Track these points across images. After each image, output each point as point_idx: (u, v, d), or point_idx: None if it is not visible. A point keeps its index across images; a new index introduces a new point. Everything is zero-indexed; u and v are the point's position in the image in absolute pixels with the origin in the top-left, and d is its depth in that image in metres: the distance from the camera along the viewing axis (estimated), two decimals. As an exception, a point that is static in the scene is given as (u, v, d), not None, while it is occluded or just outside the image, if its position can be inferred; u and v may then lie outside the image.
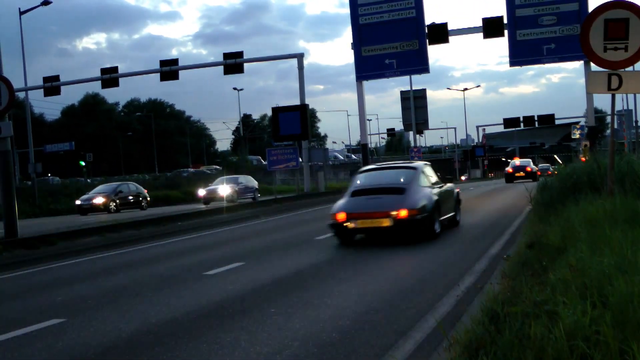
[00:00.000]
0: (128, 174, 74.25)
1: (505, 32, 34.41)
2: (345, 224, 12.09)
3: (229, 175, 40.78)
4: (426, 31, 35.34)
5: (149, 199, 37.70)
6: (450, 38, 35.37)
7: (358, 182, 13.66)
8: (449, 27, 35.37)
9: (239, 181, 37.74)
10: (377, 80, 38.35)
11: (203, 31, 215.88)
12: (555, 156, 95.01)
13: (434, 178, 14.15)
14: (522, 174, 43.11)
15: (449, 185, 15.05)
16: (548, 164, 71.06)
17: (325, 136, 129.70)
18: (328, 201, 30.44)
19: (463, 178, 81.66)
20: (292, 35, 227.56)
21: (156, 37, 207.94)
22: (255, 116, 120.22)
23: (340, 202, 12.75)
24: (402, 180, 13.04)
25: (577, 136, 57.15)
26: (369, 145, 56.50)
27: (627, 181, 11.14)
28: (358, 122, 39.94)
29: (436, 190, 13.42)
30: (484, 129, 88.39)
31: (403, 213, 11.79)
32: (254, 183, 38.99)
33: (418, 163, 14.83)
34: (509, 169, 46.02)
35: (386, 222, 11.78)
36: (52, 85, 40.07)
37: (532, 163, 48.49)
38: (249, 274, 9.94)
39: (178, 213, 23.52)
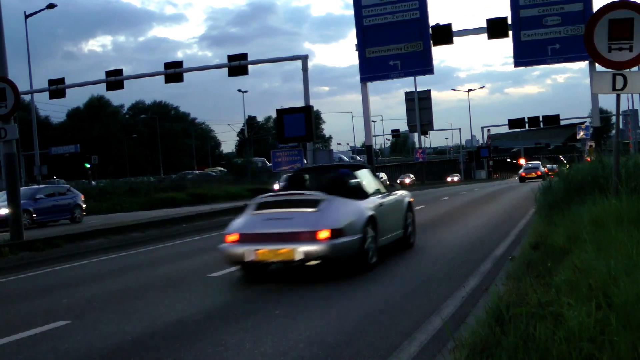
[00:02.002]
0: (133, 176, 74.33)
1: (510, 32, 34.35)
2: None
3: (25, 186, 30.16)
4: (430, 32, 35.32)
5: (84, 206, 29.25)
6: (455, 39, 35.28)
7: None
8: (454, 28, 35.33)
9: (37, 195, 26.47)
10: (382, 81, 38.37)
11: (209, 33, 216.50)
12: (561, 157, 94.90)
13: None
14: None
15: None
16: (555, 165, 71.21)
17: (330, 138, 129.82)
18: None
19: (450, 179, 79.56)
20: (298, 36, 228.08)
21: (162, 39, 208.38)
22: (260, 118, 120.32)
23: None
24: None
25: (582, 136, 57.10)
26: (374, 147, 56.49)
27: (632, 182, 11.10)
28: (363, 123, 39.90)
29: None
30: (488, 129, 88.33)
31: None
32: (73, 196, 28.44)
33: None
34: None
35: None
36: (57, 88, 40.09)
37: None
38: (254, 275, 9.93)
39: (182, 215, 23.52)
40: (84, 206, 28.88)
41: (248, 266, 9.16)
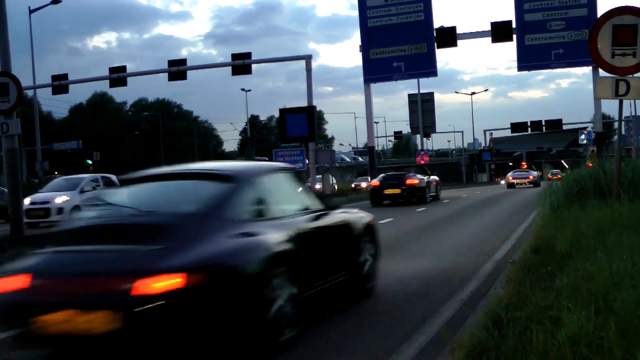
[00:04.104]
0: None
1: (514, 36, 34.39)
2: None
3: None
4: (435, 34, 35.36)
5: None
6: (459, 42, 35.40)
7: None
8: (458, 31, 35.40)
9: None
10: (386, 82, 38.37)
11: (214, 31, 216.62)
12: (563, 161, 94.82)
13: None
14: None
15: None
16: (558, 170, 71.19)
17: (333, 138, 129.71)
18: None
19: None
20: (303, 36, 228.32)
21: (167, 36, 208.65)
22: (263, 117, 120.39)
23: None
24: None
25: (585, 142, 57.09)
26: (376, 148, 56.49)
27: (634, 187, 11.11)
28: (365, 124, 39.95)
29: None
30: (491, 133, 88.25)
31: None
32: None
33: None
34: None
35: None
36: (60, 84, 40.18)
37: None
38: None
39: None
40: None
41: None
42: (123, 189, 6.59)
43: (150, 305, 4.49)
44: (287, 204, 6.55)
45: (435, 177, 30.63)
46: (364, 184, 45.20)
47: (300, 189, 7.13)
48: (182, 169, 6.91)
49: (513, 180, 49.91)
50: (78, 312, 4.60)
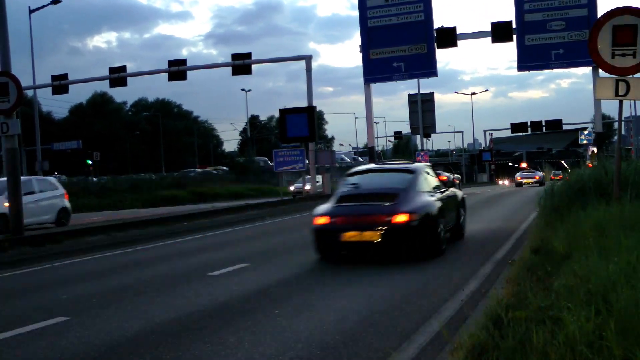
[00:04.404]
0: (135, 173, 74.40)
1: (514, 36, 34.36)
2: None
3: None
4: (435, 35, 35.33)
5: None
6: (459, 42, 35.35)
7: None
8: (458, 31, 35.36)
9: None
10: (386, 82, 38.34)
11: (214, 31, 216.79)
12: (563, 162, 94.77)
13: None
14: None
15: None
16: (560, 170, 71.61)
17: (333, 138, 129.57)
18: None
19: None
20: (303, 36, 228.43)
21: (167, 36, 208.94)
22: (264, 117, 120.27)
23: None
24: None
25: (585, 142, 57.10)
26: (376, 148, 56.44)
27: (634, 187, 11.09)
28: (365, 124, 39.96)
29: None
30: (491, 133, 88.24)
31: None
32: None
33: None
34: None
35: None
36: (60, 84, 40.18)
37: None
38: (254, 275, 9.94)
39: (184, 213, 23.52)
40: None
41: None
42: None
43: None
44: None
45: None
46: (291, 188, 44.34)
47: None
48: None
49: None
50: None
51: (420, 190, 11.03)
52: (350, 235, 10.16)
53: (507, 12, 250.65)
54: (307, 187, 38.57)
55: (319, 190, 35.95)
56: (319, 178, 37.28)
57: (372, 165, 13.41)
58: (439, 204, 11.07)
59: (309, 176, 37.63)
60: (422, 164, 13.17)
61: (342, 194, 11.19)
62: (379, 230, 9.98)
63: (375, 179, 12.17)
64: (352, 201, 10.84)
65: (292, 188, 44.24)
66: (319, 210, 10.81)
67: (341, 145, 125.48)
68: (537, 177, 54.53)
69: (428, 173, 12.16)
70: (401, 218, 10.00)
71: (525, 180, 54.00)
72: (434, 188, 11.83)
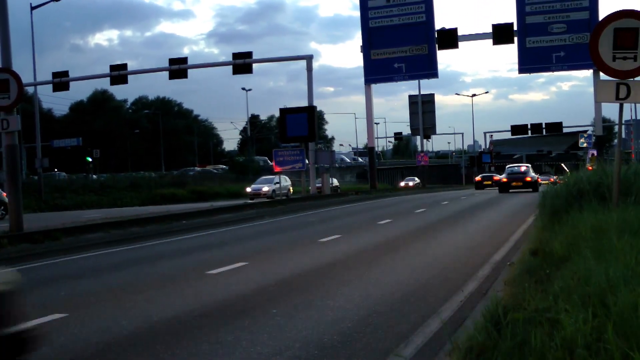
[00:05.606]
0: (135, 171, 74.43)
1: (515, 39, 34.39)
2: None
3: None
4: (436, 36, 35.35)
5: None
6: (460, 44, 35.44)
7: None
8: (459, 33, 35.40)
9: None
10: (387, 83, 38.37)
11: (217, 30, 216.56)
12: (563, 164, 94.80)
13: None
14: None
15: None
16: (545, 175, 69.78)
17: (333, 138, 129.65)
18: (332, 203, 30.53)
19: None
20: (305, 36, 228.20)
21: (169, 35, 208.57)
22: (264, 117, 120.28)
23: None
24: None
25: (585, 145, 57.14)
26: (376, 149, 56.46)
27: (633, 191, 11.08)
28: (365, 125, 39.96)
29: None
30: (491, 135, 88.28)
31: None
32: None
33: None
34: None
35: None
36: (61, 81, 40.21)
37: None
38: (252, 274, 9.94)
39: (183, 212, 23.52)
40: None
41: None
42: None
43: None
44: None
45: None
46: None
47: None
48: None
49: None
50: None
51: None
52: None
53: (509, 14, 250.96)
54: (265, 189, 39.72)
55: (317, 192, 35.92)
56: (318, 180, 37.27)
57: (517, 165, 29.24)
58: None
59: (271, 176, 37.87)
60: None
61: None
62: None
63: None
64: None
65: (248, 190, 42.77)
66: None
67: (341, 145, 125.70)
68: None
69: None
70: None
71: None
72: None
